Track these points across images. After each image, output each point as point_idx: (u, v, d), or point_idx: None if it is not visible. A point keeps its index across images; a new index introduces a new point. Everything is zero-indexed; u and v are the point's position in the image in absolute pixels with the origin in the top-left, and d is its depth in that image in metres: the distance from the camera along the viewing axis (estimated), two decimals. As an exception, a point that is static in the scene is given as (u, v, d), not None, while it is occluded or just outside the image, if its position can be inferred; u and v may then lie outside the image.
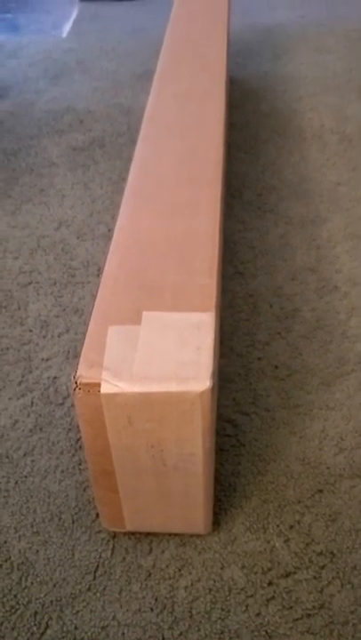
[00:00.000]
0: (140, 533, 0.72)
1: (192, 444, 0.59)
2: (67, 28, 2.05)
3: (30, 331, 0.99)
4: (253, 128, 1.46)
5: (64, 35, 2.00)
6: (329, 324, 0.97)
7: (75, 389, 0.55)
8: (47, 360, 0.94)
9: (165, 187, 0.79)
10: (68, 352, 0.95)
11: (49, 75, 1.75)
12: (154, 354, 0.56)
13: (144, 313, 0.61)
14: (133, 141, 1.40)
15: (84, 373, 0.55)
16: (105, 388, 0.54)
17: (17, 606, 0.67)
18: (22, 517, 0.75)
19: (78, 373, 0.55)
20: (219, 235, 0.71)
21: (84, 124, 1.50)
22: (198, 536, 0.72)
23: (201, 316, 0.60)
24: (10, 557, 0.71)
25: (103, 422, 0.57)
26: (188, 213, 0.74)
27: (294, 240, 1.13)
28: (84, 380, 0.55)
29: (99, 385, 0.54)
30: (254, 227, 1.17)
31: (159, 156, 0.85)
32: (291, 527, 0.72)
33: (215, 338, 0.59)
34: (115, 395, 0.55)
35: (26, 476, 0.79)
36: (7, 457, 0.81)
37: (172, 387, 0.54)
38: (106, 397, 0.55)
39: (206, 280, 0.65)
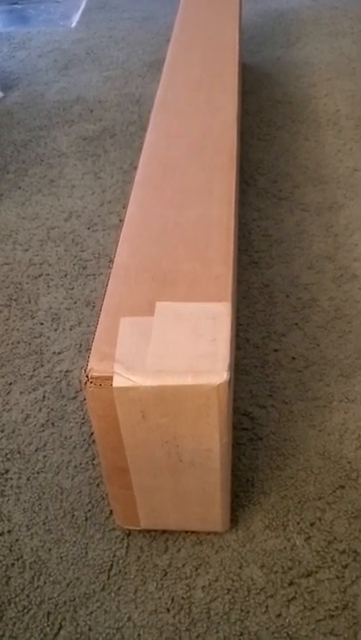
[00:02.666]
0: (155, 531, 0.70)
1: (209, 439, 0.57)
2: (76, 17, 2.02)
3: (41, 324, 0.97)
4: (267, 114, 1.43)
5: (73, 25, 1.97)
6: (348, 313, 0.94)
7: (86, 383, 0.53)
8: (59, 353, 0.92)
9: (177, 174, 0.76)
10: (80, 345, 0.93)
11: (59, 65, 1.72)
12: (168, 346, 0.54)
13: (157, 303, 0.58)
14: (144, 130, 1.37)
15: (95, 366, 0.53)
16: (117, 382, 0.52)
17: (29, 606, 0.65)
18: (34, 515, 0.73)
19: (89, 366, 0.53)
20: (234, 222, 0.69)
21: (95, 114, 1.48)
22: (215, 534, 0.70)
23: (216, 306, 0.58)
24: (22, 556, 0.69)
25: (116, 417, 0.55)
26: (201, 201, 0.71)
27: (311, 228, 1.10)
28: (96, 374, 0.53)
29: (111, 378, 0.52)
30: (269, 214, 1.14)
31: (170, 143, 0.82)
32: (312, 524, 0.70)
33: (232, 329, 0.57)
34: (128, 389, 0.52)
35: (38, 472, 0.77)
36: (19, 452, 0.79)
37: (188, 380, 0.52)
38: (118, 391, 0.53)
39: (221, 269, 0.62)
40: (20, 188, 1.26)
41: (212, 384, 0.52)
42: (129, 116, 1.46)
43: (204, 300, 0.58)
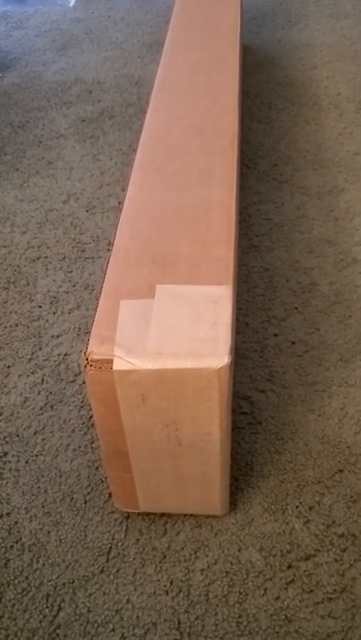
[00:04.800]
0: (154, 514, 0.70)
1: (209, 422, 0.56)
2: (74, -4, 1.99)
3: (40, 307, 0.96)
4: (268, 97, 1.41)
5: (71, 4, 1.95)
6: (348, 298, 0.94)
7: (86, 366, 0.52)
8: (57, 337, 0.91)
9: (177, 156, 0.75)
10: (79, 329, 0.92)
11: (56, 45, 1.70)
12: (168, 329, 0.54)
13: (158, 286, 0.58)
14: (143, 112, 1.36)
15: (95, 349, 0.52)
16: (117, 365, 0.52)
17: (29, 588, 0.66)
18: (33, 497, 0.73)
19: (89, 349, 0.53)
20: (235, 204, 0.68)
21: (93, 95, 1.46)
22: (214, 517, 0.70)
23: (218, 289, 0.57)
24: (21, 538, 0.69)
25: (116, 400, 0.55)
26: (202, 183, 0.71)
27: (311, 212, 1.09)
28: (96, 357, 0.52)
29: (111, 361, 0.52)
30: (270, 198, 1.13)
31: (170, 124, 0.81)
32: (310, 508, 0.70)
33: (233, 312, 0.57)
34: (128, 372, 0.52)
35: (36, 455, 0.77)
36: (17, 435, 0.79)
37: (188, 363, 0.51)
38: (118, 374, 0.52)
39: (223, 252, 0.62)
40: (17, 169, 1.24)
41: (213, 367, 0.51)
42: (128, 97, 1.45)
43: (205, 283, 0.58)
